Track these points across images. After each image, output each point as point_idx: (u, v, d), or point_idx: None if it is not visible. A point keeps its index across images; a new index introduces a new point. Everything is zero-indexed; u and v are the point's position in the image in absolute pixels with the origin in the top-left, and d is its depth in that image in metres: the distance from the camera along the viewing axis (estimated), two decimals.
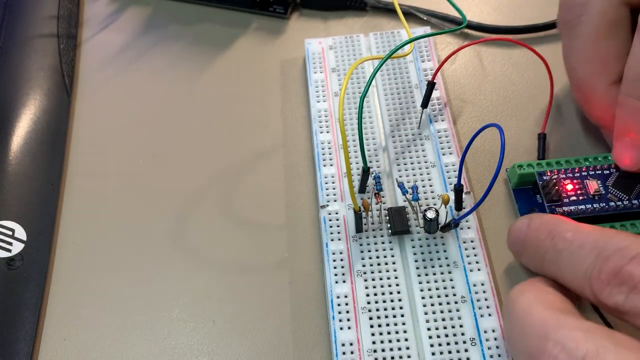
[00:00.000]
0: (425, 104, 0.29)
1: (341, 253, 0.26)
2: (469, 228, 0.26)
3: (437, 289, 0.24)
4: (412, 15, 0.34)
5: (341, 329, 0.24)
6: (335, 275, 0.25)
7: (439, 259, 0.25)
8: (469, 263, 0.25)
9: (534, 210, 0.27)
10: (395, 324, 0.24)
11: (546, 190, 0.26)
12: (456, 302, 0.24)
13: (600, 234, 0.21)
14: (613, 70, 0.25)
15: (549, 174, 0.26)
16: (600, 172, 0.26)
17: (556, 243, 0.22)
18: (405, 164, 0.28)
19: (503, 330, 0.23)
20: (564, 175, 0.26)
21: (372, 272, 0.25)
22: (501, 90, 0.31)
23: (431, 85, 0.29)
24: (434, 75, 0.29)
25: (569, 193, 0.26)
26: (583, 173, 0.26)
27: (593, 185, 0.26)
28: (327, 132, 0.29)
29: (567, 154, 0.28)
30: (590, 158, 0.27)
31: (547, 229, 0.23)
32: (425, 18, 0.34)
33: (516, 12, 0.34)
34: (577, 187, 0.26)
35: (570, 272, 0.21)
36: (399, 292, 0.24)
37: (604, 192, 0.26)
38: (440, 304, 0.24)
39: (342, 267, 0.25)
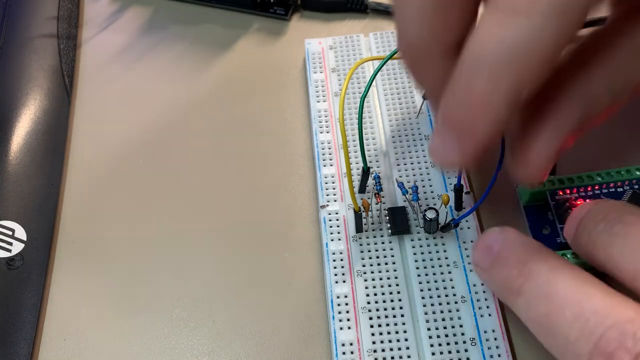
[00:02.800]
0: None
1: (341, 253, 0.26)
2: (468, 228, 0.26)
3: (437, 289, 0.24)
4: None
5: (341, 328, 0.24)
6: (335, 275, 0.25)
7: (439, 259, 0.25)
8: (469, 263, 0.25)
9: (546, 229, 0.26)
10: (395, 324, 0.24)
11: (559, 211, 0.26)
12: (456, 302, 0.24)
13: None
14: (453, 36, 0.20)
15: (561, 193, 0.26)
16: (613, 189, 0.26)
17: (612, 226, 0.20)
18: (405, 164, 0.28)
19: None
20: (576, 194, 0.26)
21: (372, 272, 0.25)
22: None
23: None
24: None
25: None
26: (596, 191, 0.26)
27: None
28: (327, 132, 0.29)
29: (579, 167, 0.27)
30: (603, 173, 0.26)
31: (605, 211, 0.20)
32: None
33: None
34: None
35: (625, 259, 0.19)
36: (399, 292, 0.24)
37: None
38: (440, 304, 0.24)
39: (342, 267, 0.25)
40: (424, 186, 0.27)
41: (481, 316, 0.24)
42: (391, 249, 0.25)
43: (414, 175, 0.27)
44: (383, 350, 0.23)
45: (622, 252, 0.18)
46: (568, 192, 0.26)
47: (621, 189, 0.26)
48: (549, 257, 0.20)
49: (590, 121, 0.21)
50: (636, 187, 0.26)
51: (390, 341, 0.23)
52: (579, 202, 0.25)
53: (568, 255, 0.24)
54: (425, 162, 0.28)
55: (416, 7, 0.19)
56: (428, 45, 0.20)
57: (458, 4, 0.19)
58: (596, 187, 0.26)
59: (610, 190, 0.26)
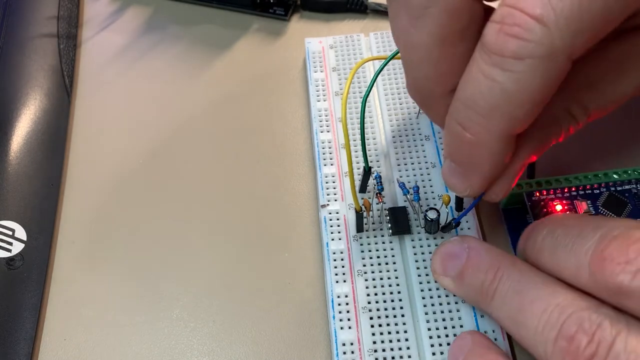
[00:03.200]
0: None
1: (341, 253, 0.26)
2: (469, 229, 0.26)
3: (437, 289, 0.24)
4: None
5: (341, 328, 0.24)
6: (336, 275, 0.25)
7: None
8: None
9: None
10: (396, 324, 0.24)
11: (535, 211, 0.26)
12: (456, 302, 0.24)
13: (601, 218, 0.20)
14: (455, 78, 0.21)
15: (537, 194, 0.26)
16: (590, 191, 0.26)
17: (555, 229, 0.21)
18: (405, 164, 0.28)
19: (503, 331, 0.23)
20: (552, 196, 0.26)
21: (373, 272, 0.25)
22: None
23: None
24: None
25: (558, 214, 0.25)
26: (572, 193, 0.26)
27: (582, 206, 0.25)
28: (328, 131, 0.29)
29: (557, 170, 0.28)
30: (580, 177, 0.26)
31: (550, 221, 0.22)
32: None
33: None
34: (566, 207, 0.25)
35: (565, 255, 0.20)
36: (399, 292, 0.24)
37: (593, 212, 0.25)
38: (440, 304, 0.24)
39: (343, 266, 0.25)
40: (424, 186, 0.27)
41: (481, 316, 0.24)
42: (392, 249, 0.25)
43: (414, 175, 0.27)
44: (383, 350, 0.23)
45: (564, 251, 0.20)
46: (545, 193, 0.26)
47: (598, 191, 0.26)
48: (514, 261, 0.22)
49: (550, 142, 0.22)
50: (612, 189, 0.26)
51: (390, 341, 0.23)
52: (555, 203, 0.26)
53: None
54: (426, 162, 0.28)
55: (422, 53, 0.21)
56: (433, 86, 0.22)
57: (459, 50, 0.20)
58: (573, 189, 0.26)
59: (587, 191, 0.26)
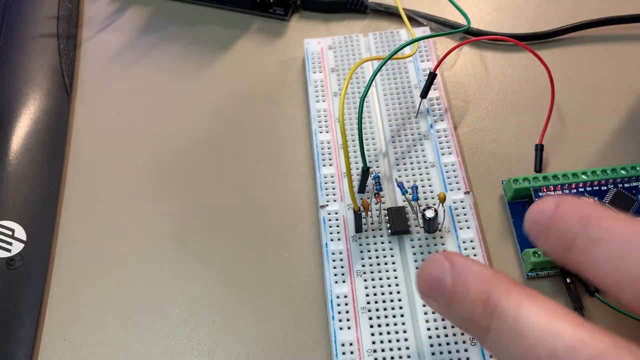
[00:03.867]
0: (424, 94, 0.29)
1: (341, 253, 0.26)
2: (468, 228, 0.26)
3: None
4: (412, 19, 0.34)
5: (341, 329, 0.24)
6: (335, 275, 0.25)
7: None
8: None
9: None
10: (395, 324, 0.24)
11: None
12: None
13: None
14: None
15: (544, 189, 0.26)
16: (597, 188, 0.26)
17: (590, 230, 0.18)
18: (404, 164, 0.28)
19: None
20: (560, 192, 0.26)
21: (372, 272, 0.25)
22: (502, 91, 0.31)
23: (432, 76, 0.29)
24: (436, 66, 0.29)
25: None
26: (580, 189, 0.26)
27: None
28: (327, 132, 0.29)
29: (565, 165, 0.28)
30: (588, 172, 0.26)
31: (580, 212, 0.19)
32: (425, 23, 0.34)
33: (515, 13, 0.34)
34: None
35: (607, 265, 0.18)
36: (398, 292, 0.24)
37: None
38: None
39: (342, 267, 0.25)
40: (423, 186, 0.27)
41: None
42: (391, 249, 0.25)
43: (413, 175, 0.27)
44: (383, 351, 0.23)
45: (605, 260, 0.18)
46: (552, 189, 0.26)
47: (605, 187, 0.26)
48: (509, 288, 0.19)
49: None
50: (620, 186, 0.26)
51: (390, 341, 0.23)
52: None
53: (538, 253, 0.24)
54: (425, 162, 0.28)
55: None
56: None
57: None
58: (580, 185, 0.26)
59: (595, 188, 0.26)
